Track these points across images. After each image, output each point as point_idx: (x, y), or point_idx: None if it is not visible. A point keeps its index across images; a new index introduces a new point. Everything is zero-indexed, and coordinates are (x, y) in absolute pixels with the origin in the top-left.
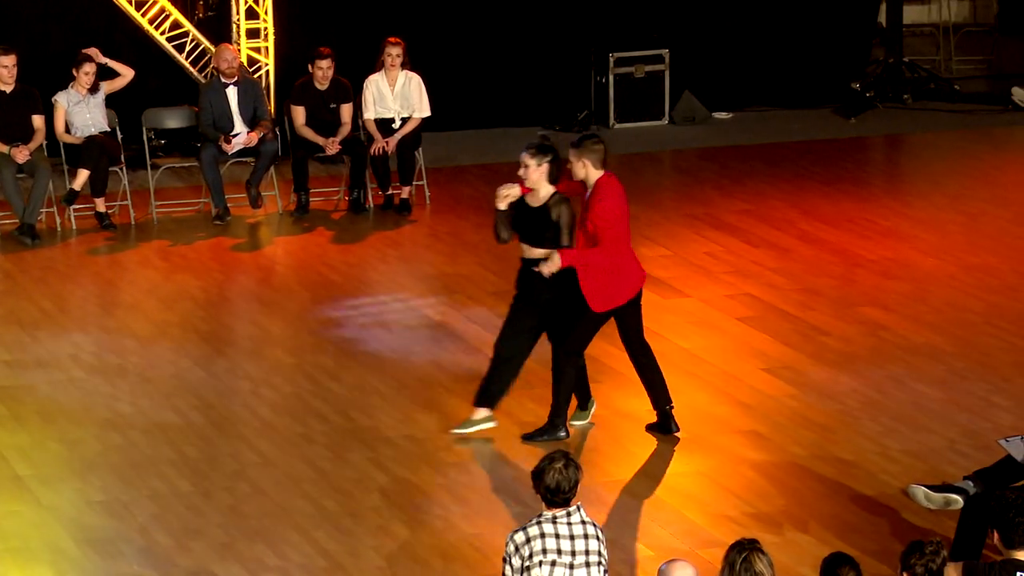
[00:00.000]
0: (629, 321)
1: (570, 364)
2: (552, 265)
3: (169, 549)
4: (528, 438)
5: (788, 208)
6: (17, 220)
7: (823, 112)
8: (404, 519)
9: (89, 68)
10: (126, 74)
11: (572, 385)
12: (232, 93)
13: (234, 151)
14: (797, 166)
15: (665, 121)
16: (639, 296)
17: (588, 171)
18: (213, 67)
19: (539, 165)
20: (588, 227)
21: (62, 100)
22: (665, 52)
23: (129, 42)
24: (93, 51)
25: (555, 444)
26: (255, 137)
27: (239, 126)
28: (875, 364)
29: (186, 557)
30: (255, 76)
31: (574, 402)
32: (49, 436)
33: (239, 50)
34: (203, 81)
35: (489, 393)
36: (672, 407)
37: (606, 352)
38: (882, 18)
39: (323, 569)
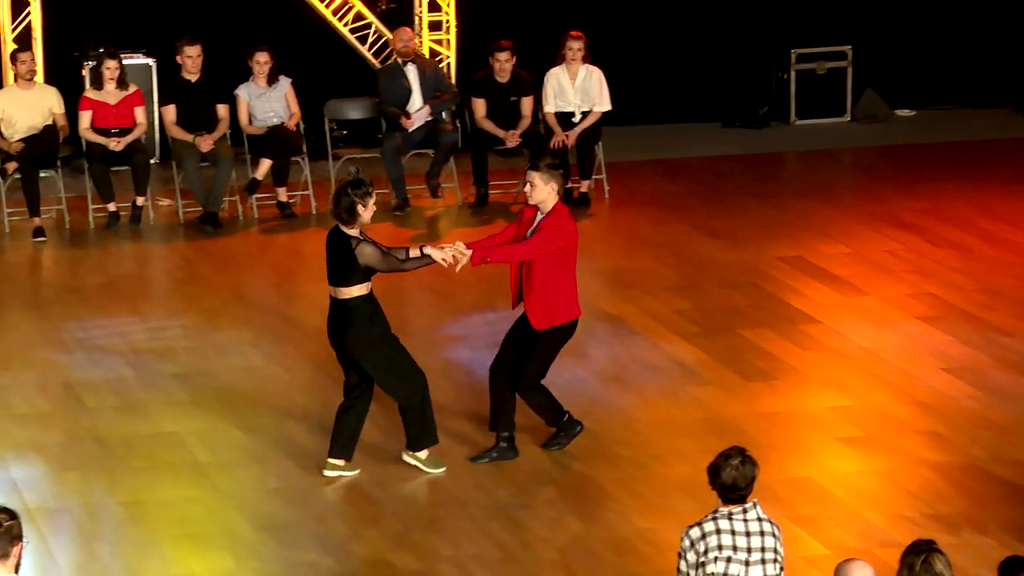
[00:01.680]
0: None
1: (536, 392)
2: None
3: (345, 537)
4: (547, 445)
5: (970, 207)
6: (200, 208)
7: (1007, 111)
8: (578, 512)
9: (261, 57)
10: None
11: (547, 401)
12: (411, 71)
13: (416, 126)
14: (979, 165)
15: (847, 118)
16: (572, 329)
17: (550, 196)
18: (391, 49)
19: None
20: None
21: (243, 93)
22: (848, 48)
23: (312, 33)
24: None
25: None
26: (426, 110)
27: (419, 104)
28: None
29: (361, 545)
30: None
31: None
32: (228, 423)
33: (420, 40)
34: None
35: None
36: (509, 436)
37: (786, 351)
38: None
39: (496, 560)
